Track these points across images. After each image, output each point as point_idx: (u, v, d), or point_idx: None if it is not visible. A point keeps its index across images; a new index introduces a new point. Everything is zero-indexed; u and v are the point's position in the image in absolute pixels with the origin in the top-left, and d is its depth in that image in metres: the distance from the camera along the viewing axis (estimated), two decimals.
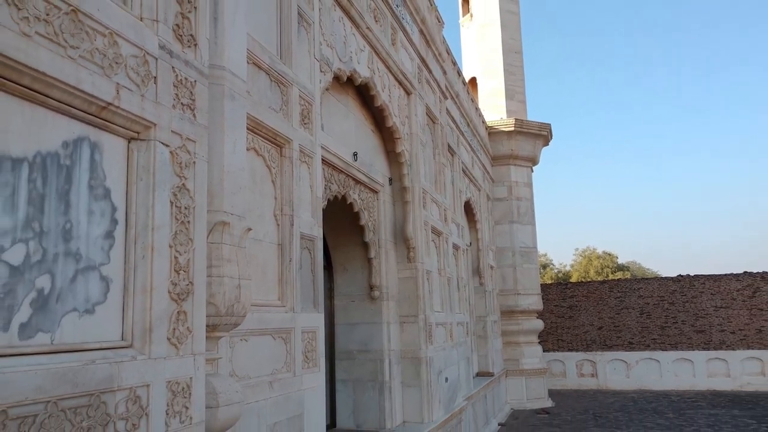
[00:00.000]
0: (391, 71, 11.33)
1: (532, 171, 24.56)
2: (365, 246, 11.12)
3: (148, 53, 3.65)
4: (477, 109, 21.50)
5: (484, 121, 22.48)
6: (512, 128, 22.85)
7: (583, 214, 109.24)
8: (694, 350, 27.37)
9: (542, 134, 23.68)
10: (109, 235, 3.33)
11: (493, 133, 22.98)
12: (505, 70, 23.81)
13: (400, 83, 11.87)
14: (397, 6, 11.85)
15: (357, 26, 9.75)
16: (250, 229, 4.84)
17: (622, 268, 59.53)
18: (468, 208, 19.27)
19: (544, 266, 60.09)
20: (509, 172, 23.46)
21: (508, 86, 23.83)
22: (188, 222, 3.82)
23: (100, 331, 3.23)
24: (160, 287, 3.55)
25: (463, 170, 18.09)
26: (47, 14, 2.96)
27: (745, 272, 27.74)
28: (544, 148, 24.68)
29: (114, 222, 3.37)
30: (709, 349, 27.17)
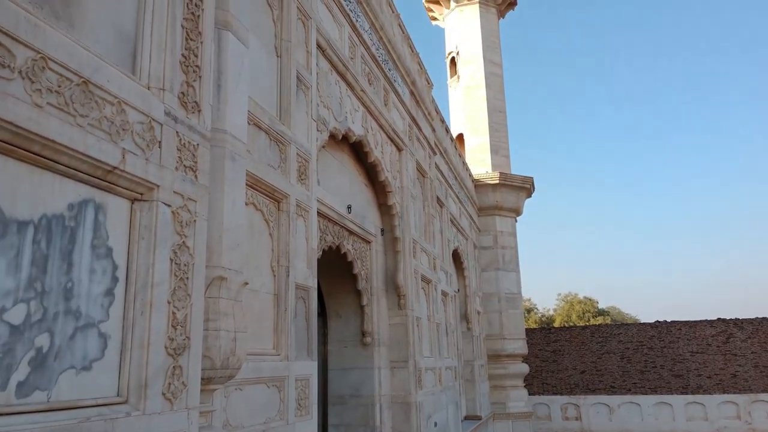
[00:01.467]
0: (383, 129, 11.47)
1: (516, 221, 24.66)
2: (358, 293, 11.01)
3: (154, 119, 3.67)
4: (464, 163, 21.73)
5: (470, 175, 22.69)
6: (497, 181, 23.04)
7: (564, 261, 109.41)
8: (672, 394, 26.95)
9: (525, 187, 23.88)
10: (109, 292, 3.27)
11: (479, 185, 23.17)
12: (490, 128, 24.18)
13: (392, 140, 12.01)
14: (389, 69, 12.09)
15: (352, 88, 9.91)
16: (246, 283, 4.78)
17: (602, 312, 59.20)
18: (456, 256, 19.23)
19: (529, 311, 59.69)
20: (494, 222, 23.54)
21: (493, 142, 24.16)
22: (187, 278, 3.77)
23: (96, 387, 3.13)
24: (157, 342, 3.48)
25: (451, 221, 18.14)
26: (59, 86, 2.98)
27: (719, 318, 27.62)
28: (527, 200, 24.85)
29: (114, 280, 3.32)
30: (687, 393, 26.77)
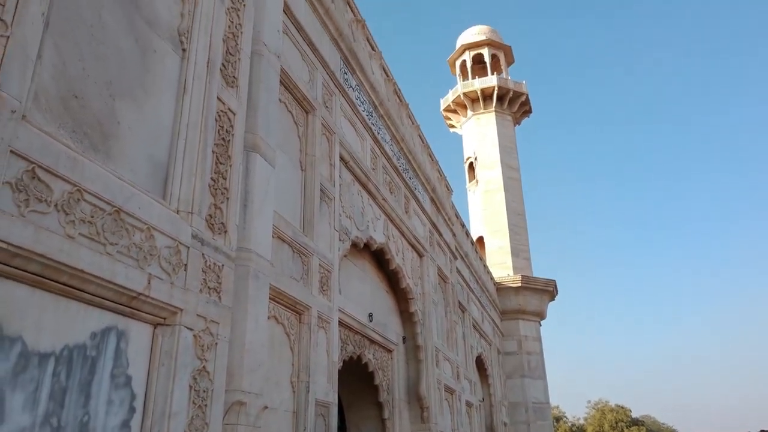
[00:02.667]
0: (404, 236, 11.53)
1: (540, 325, 24.03)
2: (379, 406, 10.56)
3: (181, 243, 3.72)
4: (485, 266, 21.59)
5: (492, 278, 22.46)
6: (519, 284, 22.74)
7: (593, 366, 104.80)
8: None
9: (548, 290, 23.49)
10: (125, 424, 3.16)
11: (501, 288, 22.86)
12: (510, 230, 24.25)
13: (413, 247, 12.03)
14: (410, 178, 12.36)
15: (374, 197, 10.09)
16: (266, 407, 4.61)
17: (637, 422, 55.96)
18: (479, 363, 18.59)
19: (558, 419, 56.67)
20: (518, 326, 22.95)
21: (514, 245, 24.13)
22: (205, 405, 3.64)
23: None
24: None
25: (473, 326, 17.73)
26: (92, 216, 3.06)
27: (763, 431, 25.83)
28: (551, 303, 24.35)
29: (132, 410, 3.21)
30: None
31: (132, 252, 3.29)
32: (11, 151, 2.70)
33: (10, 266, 2.66)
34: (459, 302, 15.69)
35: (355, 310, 9.26)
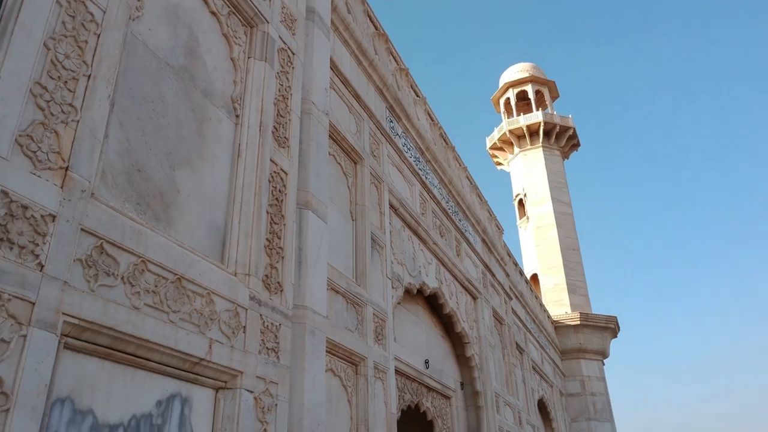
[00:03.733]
0: (457, 279, 11.39)
1: (603, 364, 23.06)
2: None
3: (239, 305, 3.78)
4: (541, 305, 21.03)
5: (549, 316, 21.83)
6: (578, 322, 22.00)
7: (663, 408, 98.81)
8: None
9: (609, 327, 22.61)
10: None
11: (559, 327, 22.15)
12: (565, 267, 23.65)
13: (466, 289, 11.86)
14: (459, 220, 12.29)
15: (424, 242, 10.06)
16: None
17: None
18: (542, 407, 17.91)
19: None
20: (580, 366, 22.09)
21: (570, 281, 23.47)
22: None
23: None
24: None
25: (533, 367, 17.17)
26: (155, 286, 3.15)
27: None
28: (613, 340, 23.38)
29: None
30: None
31: (194, 318, 3.36)
32: (81, 229, 2.83)
33: (81, 340, 2.76)
34: (516, 344, 15.27)
35: (411, 358, 9.14)
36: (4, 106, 2.60)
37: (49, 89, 2.86)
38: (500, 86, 29.45)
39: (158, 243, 3.30)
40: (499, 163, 28.65)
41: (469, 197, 13.20)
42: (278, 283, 4.29)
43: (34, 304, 2.50)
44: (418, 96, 11.05)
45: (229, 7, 4.68)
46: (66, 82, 2.96)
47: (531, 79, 28.83)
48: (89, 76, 3.10)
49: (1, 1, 2.76)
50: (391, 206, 8.91)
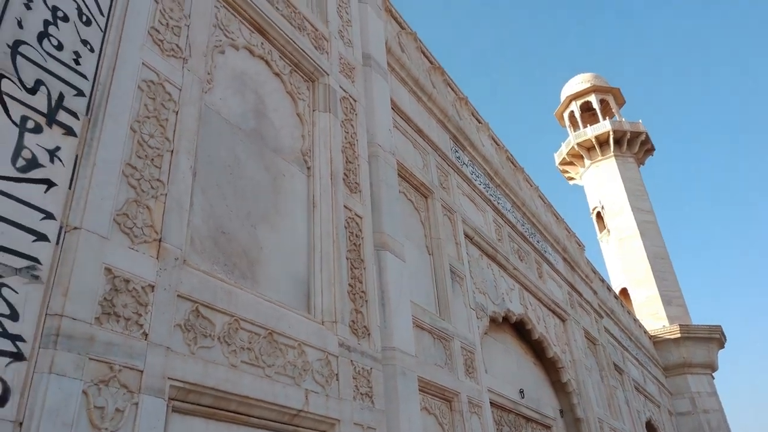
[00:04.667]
0: (542, 302, 11.06)
1: (713, 378, 21.45)
2: None
3: (329, 353, 3.83)
4: (635, 320, 19.97)
5: (646, 332, 20.67)
6: (678, 335, 20.68)
7: None
8: None
9: (714, 337, 21.09)
10: None
11: (658, 342, 20.90)
12: (656, 277, 22.44)
13: (553, 312, 11.47)
14: (537, 241, 11.99)
15: (504, 268, 9.87)
16: None
17: None
18: (650, 429, 16.82)
19: None
20: (687, 382, 20.66)
21: (663, 292, 22.21)
22: None
23: None
24: None
25: (635, 387, 16.23)
26: (249, 343, 3.26)
27: None
28: (720, 351, 21.78)
29: None
30: None
31: (288, 370, 3.44)
32: (178, 295, 2.99)
33: (187, 402, 2.88)
34: (614, 364, 14.52)
35: (505, 388, 8.88)
36: (102, 190, 2.81)
37: (139, 168, 3.07)
38: (562, 100, 28.88)
39: (248, 301, 3.42)
40: (571, 178, 27.88)
41: (545, 217, 12.89)
42: (365, 327, 4.32)
43: (142, 372, 2.64)
44: (480, 122, 11.02)
45: (290, 66, 4.89)
46: (152, 159, 3.17)
47: (593, 89, 28.11)
48: (172, 151, 3.31)
49: (91, 93, 3.01)
50: (466, 236, 8.83)
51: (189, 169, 3.40)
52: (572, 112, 28.44)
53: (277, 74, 4.72)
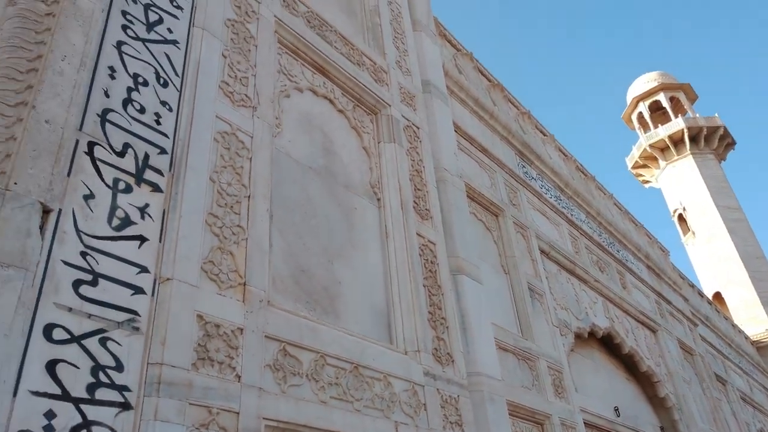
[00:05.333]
0: (629, 314, 10.56)
1: None
2: None
3: (415, 383, 3.81)
4: (734, 326, 18.69)
5: (747, 337, 19.28)
6: None
7: None
8: None
9: None
10: None
11: (762, 347, 19.43)
12: (752, 278, 20.96)
13: (642, 323, 10.92)
14: (618, 251, 11.53)
15: (584, 281, 9.53)
16: None
17: None
18: None
19: None
20: None
21: (762, 294, 20.69)
22: None
23: None
24: None
25: (742, 398, 15.10)
26: (336, 378, 3.30)
27: None
28: None
29: None
30: None
31: (376, 403, 3.44)
32: (265, 336, 3.08)
33: None
34: (715, 374, 13.61)
35: (598, 407, 8.49)
36: (189, 241, 2.96)
37: (220, 216, 3.22)
38: (629, 102, 27.88)
39: (331, 336, 3.47)
40: (647, 181, 26.72)
41: (622, 225, 12.40)
42: (448, 354, 4.28)
43: (238, 413, 2.73)
44: (545, 135, 10.82)
45: (353, 101, 5.01)
46: (231, 206, 3.31)
47: (661, 88, 26.99)
48: (249, 197, 3.45)
49: (172, 150, 3.20)
50: (542, 251, 8.61)
51: (266, 212, 3.53)
52: (640, 113, 27.36)
53: (341, 111, 4.84)
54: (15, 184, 2.43)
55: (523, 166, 9.38)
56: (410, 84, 5.83)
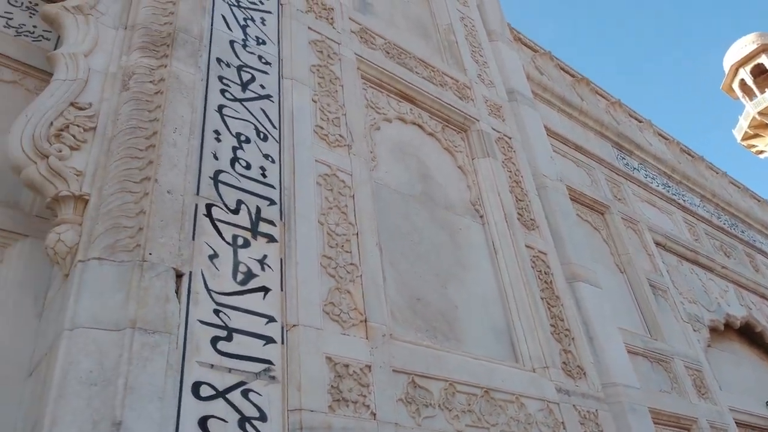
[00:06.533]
0: (766, 298, 9.63)
1: None
2: None
3: (549, 401, 3.65)
4: None
5: None
6: None
7: None
8: None
9: None
10: None
11: None
12: None
13: None
14: (742, 232, 10.61)
15: (710, 270, 8.82)
16: None
17: None
18: None
19: None
20: None
21: None
22: None
23: None
24: None
25: None
26: (468, 404, 3.22)
27: None
28: None
29: None
30: None
31: (512, 426, 3.33)
32: (393, 371, 3.07)
33: None
34: None
35: (747, 403, 7.76)
36: (308, 286, 3.03)
37: (333, 257, 3.28)
38: (727, 71, 25.81)
39: (457, 362, 3.41)
40: (761, 152, 24.50)
41: (743, 203, 11.41)
42: (578, 367, 4.07)
43: None
44: (640, 121, 10.23)
45: (441, 122, 4.98)
46: (342, 246, 3.37)
47: (762, 49, 24.74)
48: (357, 234, 3.50)
49: (280, 200, 3.31)
50: (657, 244, 8.08)
51: (375, 246, 3.55)
52: (742, 80, 25.23)
53: (431, 134, 4.83)
54: (150, 254, 2.60)
55: (623, 158, 8.91)
56: (495, 95, 5.72)
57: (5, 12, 3.83)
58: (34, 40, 3.83)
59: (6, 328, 2.84)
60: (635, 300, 6.88)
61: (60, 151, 2.78)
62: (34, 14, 3.92)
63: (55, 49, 3.78)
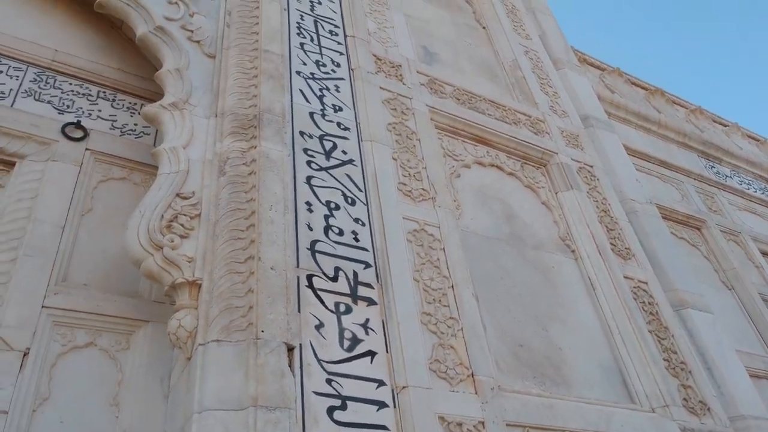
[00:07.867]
0: None
1: None
2: None
3: None
4: None
5: None
6: None
7: None
8: None
9: None
10: None
11: None
12: None
13: None
14: None
15: None
16: None
17: None
18: None
19: None
20: None
21: None
22: None
23: None
24: None
25: None
26: None
27: None
28: None
29: None
30: None
31: None
32: (507, 425, 3.00)
33: None
34: None
35: None
36: (412, 345, 3.05)
37: (432, 313, 3.28)
38: None
39: (569, 409, 3.29)
40: None
41: None
42: (701, 402, 3.81)
43: None
44: (726, 126, 9.69)
45: (519, 161, 4.94)
46: (439, 300, 3.37)
47: None
48: (452, 286, 3.49)
49: (374, 261, 3.37)
50: (764, 254, 7.55)
51: (472, 297, 3.53)
52: None
53: (511, 174, 4.79)
54: (262, 332, 2.72)
55: (712, 167, 8.45)
56: (570, 124, 5.62)
57: (110, 115, 4.21)
58: (136, 137, 4.18)
59: (138, 411, 3.03)
60: (748, 317, 6.43)
61: (172, 241, 2.98)
62: (134, 113, 4.29)
63: (154, 143, 4.11)
